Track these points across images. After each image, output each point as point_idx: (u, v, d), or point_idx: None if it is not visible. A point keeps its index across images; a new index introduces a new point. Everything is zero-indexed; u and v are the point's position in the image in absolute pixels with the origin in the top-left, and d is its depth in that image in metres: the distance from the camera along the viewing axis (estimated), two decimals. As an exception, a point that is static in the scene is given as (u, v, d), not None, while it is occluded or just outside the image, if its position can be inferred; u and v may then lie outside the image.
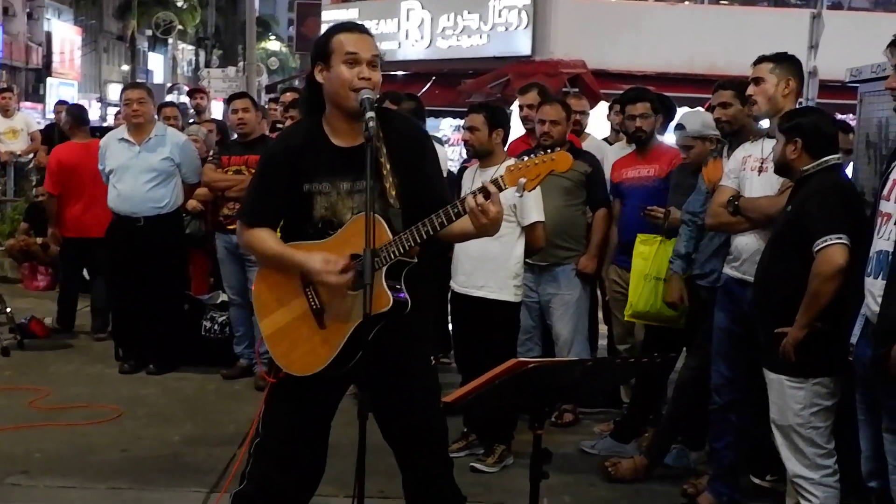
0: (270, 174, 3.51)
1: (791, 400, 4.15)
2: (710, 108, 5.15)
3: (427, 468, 3.56)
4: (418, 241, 3.24)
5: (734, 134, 4.98)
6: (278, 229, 3.58)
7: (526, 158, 3.22)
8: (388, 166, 3.35)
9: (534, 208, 5.29)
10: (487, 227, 3.23)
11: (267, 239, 3.47)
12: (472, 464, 5.29)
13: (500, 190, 3.20)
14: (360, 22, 15.70)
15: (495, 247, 5.16)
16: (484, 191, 3.17)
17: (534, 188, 3.21)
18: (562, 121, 5.83)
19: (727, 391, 4.75)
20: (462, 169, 6.83)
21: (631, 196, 5.87)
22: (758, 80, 4.52)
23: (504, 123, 5.46)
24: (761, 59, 4.58)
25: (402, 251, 3.24)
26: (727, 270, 4.70)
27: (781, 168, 4.27)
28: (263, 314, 3.55)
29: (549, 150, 3.24)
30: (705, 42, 15.38)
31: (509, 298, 5.35)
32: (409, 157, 3.42)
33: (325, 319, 3.39)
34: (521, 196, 3.40)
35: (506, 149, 5.65)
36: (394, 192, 3.33)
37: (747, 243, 4.54)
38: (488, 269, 5.29)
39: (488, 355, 5.03)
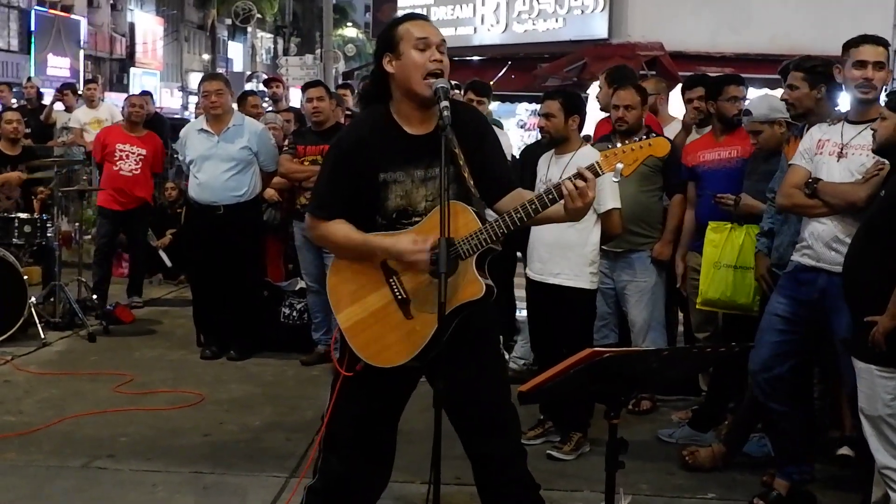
0: (342, 166, 3.46)
1: (881, 390, 4.06)
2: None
3: (496, 454, 3.52)
4: (511, 227, 3.24)
5: (801, 117, 4.89)
6: None
7: (622, 145, 3.22)
8: (461, 153, 3.34)
9: (610, 195, 5.24)
10: (581, 210, 3.24)
11: (346, 228, 3.43)
12: (548, 451, 5.28)
13: (598, 175, 3.20)
14: (435, 8, 15.71)
15: (571, 234, 5.13)
16: (581, 176, 3.18)
17: (632, 172, 3.21)
18: (636, 105, 5.78)
19: (763, 378, 4.66)
20: (526, 153, 6.82)
21: (709, 180, 5.76)
22: (881, 65, 4.38)
23: (580, 109, 5.43)
24: (878, 42, 4.43)
25: (494, 238, 3.25)
26: (797, 257, 4.58)
27: (888, 147, 4.15)
28: (340, 307, 3.49)
29: (645, 136, 3.22)
30: (786, 22, 15.01)
31: (585, 286, 5.32)
32: (472, 143, 3.42)
33: (412, 309, 3.36)
34: (617, 181, 3.39)
35: (589, 132, 5.59)
36: (472, 181, 3.33)
37: (824, 229, 4.42)
38: (564, 256, 5.26)
39: (564, 343, 4.98)
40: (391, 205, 3.40)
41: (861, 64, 4.39)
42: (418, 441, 3.66)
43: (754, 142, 5.38)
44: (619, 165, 3.16)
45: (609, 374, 2.92)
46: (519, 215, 3.23)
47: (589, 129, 7.03)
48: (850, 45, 4.45)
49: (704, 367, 5.63)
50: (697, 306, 5.58)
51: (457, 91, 7.02)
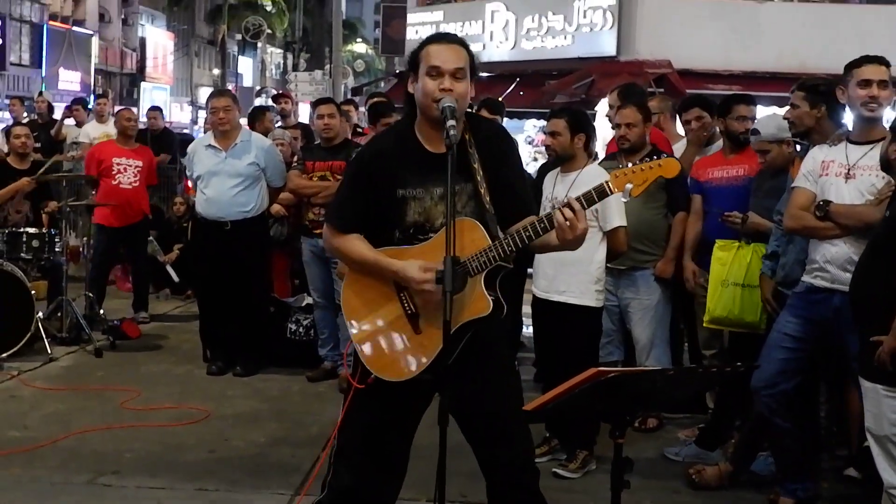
0: (362, 179, 3.52)
1: (887, 409, 4.04)
2: None
3: (503, 463, 3.50)
4: (520, 246, 3.26)
5: (802, 135, 4.93)
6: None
7: (630, 165, 3.22)
8: (480, 171, 3.38)
9: (616, 213, 5.24)
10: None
11: (360, 245, 3.47)
12: (554, 469, 5.26)
13: (609, 195, 3.21)
14: (444, 25, 15.79)
15: (577, 251, 5.08)
16: (600, 190, 3.18)
17: (640, 193, 3.21)
18: (638, 123, 5.81)
19: (767, 395, 4.65)
20: (543, 171, 6.82)
21: (716, 197, 5.76)
22: (885, 84, 4.41)
23: (586, 128, 5.44)
24: (882, 62, 4.46)
25: (502, 256, 3.26)
26: (808, 279, 4.58)
27: (885, 166, 4.18)
28: (355, 318, 3.53)
29: (647, 158, 3.22)
30: (794, 40, 15.05)
31: (591, 303, 5.31)
32: (496, 161, 3.45)
33: (421, 324, 3.39)
34: (626, 200, 3.39)
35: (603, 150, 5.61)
36: (488, 198, 3.36)
37: (838, 251, 4.43)
38: (570, 273, 5.24)
39: (570, 360, 4.95)
40: (409, 220, 3.44)
41: (866, 83, 4.40)
42: (425, 457, 3.65)
43: (762, 161, 5.39)
44: (629, 186, 3.17)
45: (614, 394, 2.92)
46: (528, 234, 3.24)
47: (600, 145, 7.07)
48: (852, 66, 4.48)
49: (710, 387, 5.61)
50: (704, 324, 5.56)
51: (497, 118, 7.02)
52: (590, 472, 5.27)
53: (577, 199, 3.20)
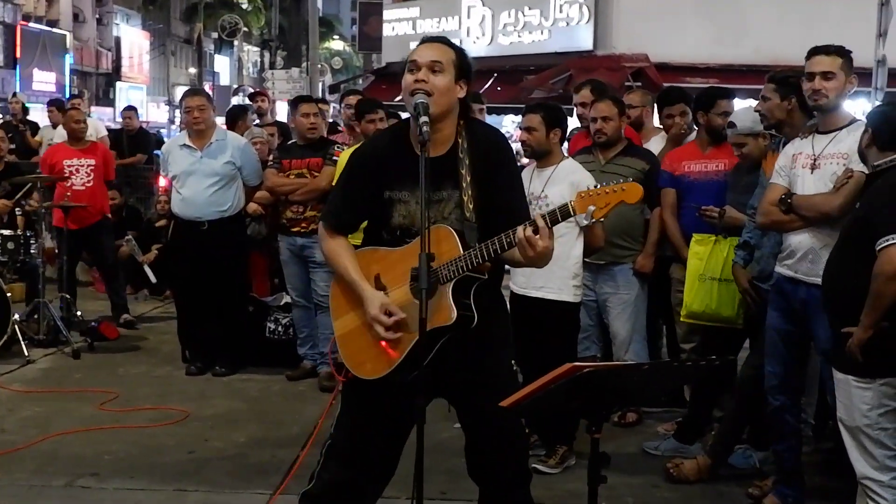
0: (356, 178, 3.57)
1: (858, 400, 4.06)
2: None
3: (501, 475, 3.56)
4: (486, 258, 3.25)
5: (774, 127, 4.95)
6: (361, 230, 3.66)
7: (598, 186, 3.21)
8: (468, 178, 3.37)
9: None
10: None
11: (342, 256, 3.53)
12: (533, 465, 5.22)
13: (572, 216, 3.20)
14: (420, 21, 15.77)
15: (558, 248, 5.10)
16: (564, 210, 3.17)
17: (602, 217, 3.20)
18: (614, 116, 5.83)
19: (780, 392, 4.68)
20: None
21: (694, 191, 5.78)
22: (828, 75, 4.41)
23: (561, 123, 5.44)
24: (829, 52, 4.45)
25: (469, 267, 3.26)
26: (779, 269, 4.64)
27: (862, 156, 4.21)
28: (337, 315, 3.61)
29: (622, 180, 3.21)
30: (771, 33, 15.10)
31: (568, 299, 5.32)
32: (488, 168, 3.44)
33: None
34: (588, 224, 3.39)
35: (565, 144, 5.61)
36: (471, 206, 3.36)
37: (800, 241, 4.48)
38: (548, 269, 5.08)
39: (548, 356, 4.85)
40: (394, 222, 3.47)
41: (810, 76, 4.45)
42: (404, 456, 3.66)
43: (738, 154, 5.41)
44: (591, 208, 3.15)
45: (590, 389, 2.91)
46: (494, 247, 3.23)
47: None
48: (806, 58, 4.51)
49: (686, 381, 5.62)
50: (682, 319, 5.59)
51: (482, 107, 6.97)
52: (569, 468, 5.27)
53: (543, 216, 3.19)
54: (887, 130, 4.08)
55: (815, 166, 4.47)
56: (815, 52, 4.49)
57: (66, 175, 8.55)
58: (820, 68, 4.43)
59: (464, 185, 3.36)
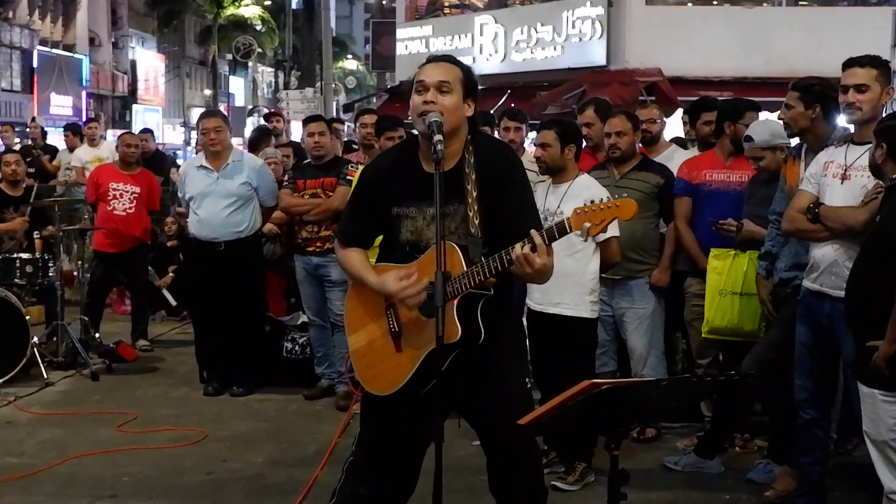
0: (363, 195, 3.65)
1: (884, 414, 4.03)
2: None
3: (515, 492, 3.56)
4: (489, 275, 3.25)
5: (797, 136, 4.91)
6: (377, 246, 3.68)
7: (593, 202, 3.20)
8: (474, 193, 3.38)
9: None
10: (532, 276, 3.23)
11: (354, 259, 3.60)
12: (552, 482, 5.20)
13: (568, 232, 3.19)
14: (433, 39, 15.79)
15: (570, 263, 5.11)
16: (560, 227, 3.17)
17: (597, 234, 3.21)
18: (628, 131, 5.84)
19: (811, 406, 4.64)
20: None
21: (715, 200, 5.70)
22: (862, 88, 4.39)
23: (576, 139, 5.47)
24: (863, 64, 4.42)
25: (474, 284, 3.26)
26: (805, 283, 4.60)
27: (874, 171, 4.18)
28: (351, 330, 3.66)
29: (614, 195, 3.21)
30: (783, 44, 15.06)
31: (586, 315, 5.31)
32: (496, 184, 3.44)
33: (402, 343, 3.46)
34: (584, 241, 3.40)
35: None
36: (476, 221, 3.36)
37: (824, 254, 4.44)
38: (564, 285, 5.15)
39: (566, 372, 4.98)
40: (403, 238, 3.50)
41: (844, 88, 4.42)
42: (422, 473, 3.65)
43: (755, 167, 5.38)
44: (587, 225, 3.15)
45: (608, 406, 2.90)
46: (496, 264, 3.22)
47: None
48: (842, 70, 4.48)
49: (704, 397, 5.60)
50: (703, 335, 5.53)
51: (486, 128, 6.98)
52: (588, 485, 5.24)
53: (540, 233, 3.18)
54: None
55: (846, 177, 4.41)
56: (848, 63, 4.45)
57: (110, 197, 8.63)
58: (853, 81, 4.40)
59: (469, 200, 3.37)
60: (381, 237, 3.69)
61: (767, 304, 5.00)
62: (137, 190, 8.76)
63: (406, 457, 3.63)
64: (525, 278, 3.28)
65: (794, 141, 5.17)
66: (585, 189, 5.25)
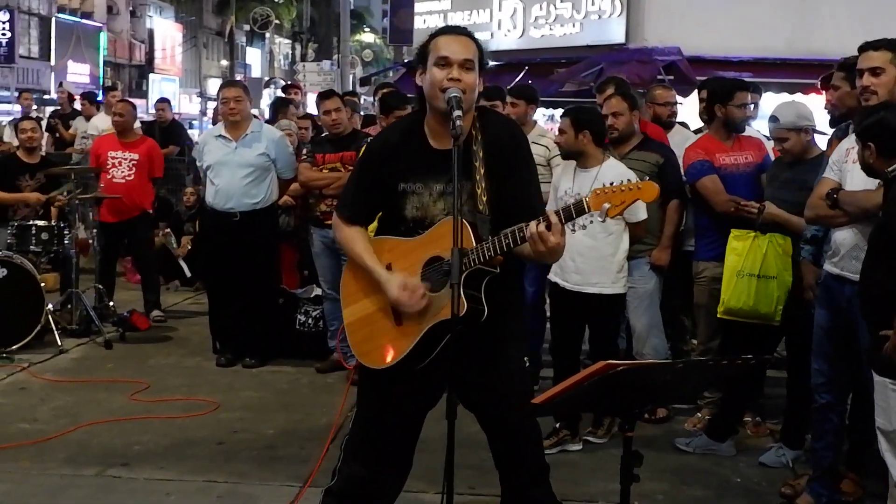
0: (368, 170, 3.58)
1: (895, 404, 3.99)
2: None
3: (515, 470, 3.56)
4: (499, 252, 3.23)
5: (844, 117, 4.83)
6: (376, 221, 3.65)
7: (613, 184, 3.18)
8: (482, 170, 3.35)
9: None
10: (545, 255, 3.21)
11: (357, 242, 3.54)
12: (584, 436, 5.55)
13: (586, 212, 3.17)
14: (452, 14, 15.70)
15: (607, 244, 5.45)
16: (578, 206, 3.14)
17: (616, 215, 3.17)
18: (624, 111, 5.87)
19: (828, 390, 4.61)
20: None
21: (729, 184, 5.61)
22: (877, 71, 4.33)
23: (591, 124, 5.51)
24: (878, 47, 4.36)
25: (482, 260, 3.24)
26: (826, 266, 4.56)
27: (868, 171, 4.14)
28: (347, 302, 3.62)
29: (633, 180, 3.17)
30: (805, 25, 14.89)
31: (619, 291, 5.57)
32: (502, 161, 3.41)
33: (402, 317, 3.43)
34: (603, 221, 3.37)
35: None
36: (484, 198, 3.33)
37: (844, 238, 4.39)
38: (600, 265, 5.45)
39: (601, 346, 5.63)
40: (408, 214, 3.46)
41: (859, 73, 4.38)
42: (433, 450, 3.65)
43: (779, 148, 5.32)
44: (606, 206, 3.12)
45: (623, 387, 2.89)
46: (507, 241, 3.20)
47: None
48: (858, 53, 4.43)
49: (721, 380, 5.56)
50: (719, 315, 5.49)
51: (497, 103, 6.95)
52: (598, 464, 5.25)
53: (557, 212, 3.16)
54: (889, 138, 4.01)
55: None
56: (863, 47, 4.41)
57: (109, 166, 8.62)
58: (867, 64, 4.35)
59: (477, 177, 3.34)
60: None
61: (814, 289, 4.89)
62: (136, 157, 8.73)
63: (401, 434, 3.62)
64: (536, 256, 3.24)
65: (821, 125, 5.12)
66: (614, 172, 5.27)
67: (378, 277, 3.44)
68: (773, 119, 5.29)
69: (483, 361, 3.43)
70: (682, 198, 5.93)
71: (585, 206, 3.14)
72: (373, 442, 3.60)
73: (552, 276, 5.68)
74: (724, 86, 5.88)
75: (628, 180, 3.18)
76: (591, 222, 5.27)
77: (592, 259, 5.43)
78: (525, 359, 3.63)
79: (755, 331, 5.33)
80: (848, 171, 4.44)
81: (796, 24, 15.15)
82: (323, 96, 7.43)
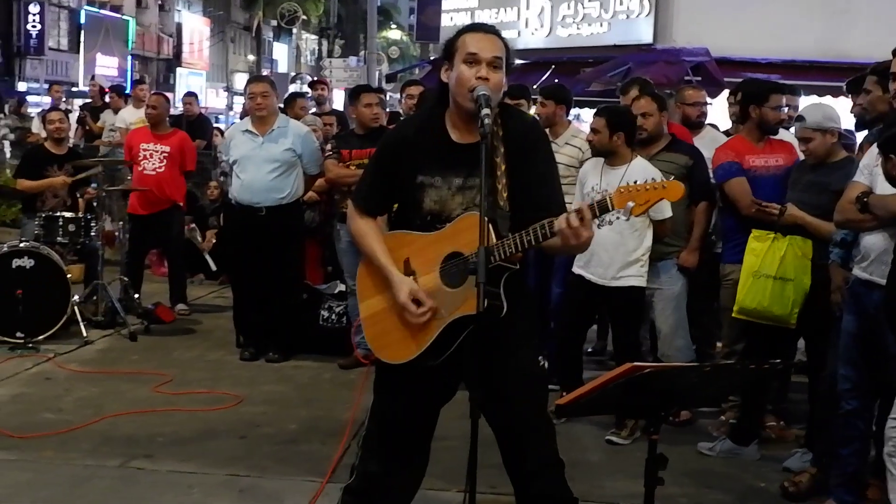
0: (385, 162, 3.56)
1: None
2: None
3: (528, 468, 3.50)
4: (520, 249, 3.22)
5: (873, 122, 4.78)
6: (392, 213, 3.64)
7: (639, 182, 3.16)
8: (503, 166, 3.34)
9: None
10: (576, 248, 3.20)
11: (370, 237, 3.53)
12: (607, 437, 5.57)
13: (609, 210, 3.16)
14: (479, 11, 15.71)
15: (631, 240, 5.59)
16: (602, 204, 3.13)
17: (641, 213, 3.16)
18: (654, 112, 5.88)
19: (854, 396, 4.57)
20: None
21: (759, 186, 5.54)
22: None
23: (625, 126, 5.63)
24: None
25: (502, 257, 3.23)
26: (855, 271, 4.51)
27: (892, 182, 4.10)
28: (364, 297, 3.60)
29: (660, 179, 3.16)
30: (834, 27, 14.78)
31: (642, 284, 5.71)
32: (523, 157, 3.40)
33: None
34: (626, 220, 3.36)
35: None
36: (505, 194, 3.32)
37: (874, 242, 4.35)
38: (625, 260, 5.62)
39: (625, 338, 5.82)
40: (425, 207, 3.44)
41: (893, 76, 4.35)
42: (454, 448, 3.65)
43: (804, 149, 5.27)
44: (630, 204, 3.10)
45: (648, 390, 2.88)
46: (528, 238, 3.19)
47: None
48: (893, 57, 4.40)
49: (747, 384, 5.52)
50: (733, 314, 5.46)
51: (522, 101, 6.94)
52: (619, 465, 5.22)
53: (590, 205, 3.15)
54: None
55: None
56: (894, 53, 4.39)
57: (140, 158, 8.66)
58: None
59: (498, 173, 3.32)
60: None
61: (842, 290, 4.81)
62: (167, 150, 8.78)
63: (415, 430, 3.61)
64: (564, 250, 3.24)
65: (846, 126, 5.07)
66: (642, 171, 5.32)
67: (390, 277, 3.42)
68: (800, 119, 5.24)
69: (497, 358, 3.39)
70: (710, 199, 5.90)
71: (609, 204, 3.13)
72: (387, 439, 3.60)
73: (576, 269, 5.79)
74: (760, 87, 5.84)
75: (653, 179, 3.17)
76: (618, 218, 5.33)
77: (619, 254, 5.57)
78: (540, 357, 3.61)
79: (777, 334, 5.29)
80: (878, 175, 4.39)
81: (825, 26, 15.03)
82: (363, 90, 7.43)
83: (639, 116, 5.84)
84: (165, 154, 8.77)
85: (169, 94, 12.00)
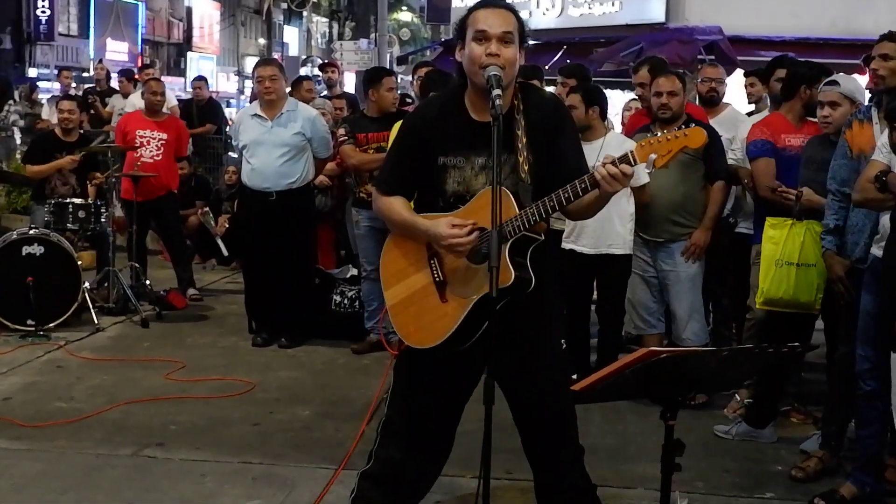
0: (407, 144, 3.53)
1: None
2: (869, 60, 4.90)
3: (551, 455, 3.49)
4: (544, 215, 3.19)
5: (887, 92, 4.68)
6: (412, 200, 3.59)
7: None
8: (524, 140, 3.31)
9: (643, 170, 5.16)
10: (612, 195, 3.19)
11: (398, 206, 3.48)
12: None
13: (632, 165, 3.11)
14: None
15: (615, 209, 5.69)
16: (624, 159, 3.08)
17: (664, 164, 3.10)
18: (679, 91, 5.84)
19: (874, 378, 4.50)
20: None
21: (795, 166, 5.43)
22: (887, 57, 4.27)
23: (599, 101, 6.00)
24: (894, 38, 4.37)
25: (527, 226, 3.19)
26: (874, 250, 4.45)
27: None
28: (388, 284, 3.56)
29: (681, 126, 3.13)
30: (848, 5, 14.65)
31: (629, 251, 5.97)
32: (545, 133, 3.37)
33: (447, 293, 3.38)
34: (650, 171, 3.31)
35: (623, 122, 6.28)
36: (526, 168, 3.29)
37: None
38: (613, 229, 5.89)
39: (611, 305, 6.13)
40: (449, 189, 3.41)
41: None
42: (470, 434, 3.61)
43: (825, 114, 5.12)
44: (653, 156, 3.06)
45: (665, 375, 2.82)
46: (552, 203, 3.17)
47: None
48: None
49: (766, 368, 5.45)
50: (758, 306, 5.38)
51: (535, 82, 6.88)
52: (636, 449, 5.18)
53: (626, 154, 3.11)
54: None
55: None
56: (881, 38, 4.49)
57: (137, 145, 8.57)
58: (878, 52, 4.36)
59: (519, 146, 3.30)
60: None
61: (844, 281, 4.74)
62: (164, 136, 8.67)
63: (441, 413, 3.57)
64: (602, 198, 3.20)
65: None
66: (623, 142, 5.74)
67: (422, 227, 3.38)
68: (833, 83, 5.12)
69: (524, 342, 3.38)
70: (727, 179, 5.84)
71: (632, 159, 3.09)
72: (411, 425, 3.56)
73: (566, 244, 6.01)
74: (813, 68, 5.76)
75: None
76: None
77: (606, 222, 5.76)
78: (563, 340, 3.58)
79: (798, 319, 5.22)
80: None
81: (840, 3, 14.89)
82: (385, 72, 7.45)
83: (665, 94, 5.80)
84: (163, 141, 8.64)
85: (179, 79, 11.96)
